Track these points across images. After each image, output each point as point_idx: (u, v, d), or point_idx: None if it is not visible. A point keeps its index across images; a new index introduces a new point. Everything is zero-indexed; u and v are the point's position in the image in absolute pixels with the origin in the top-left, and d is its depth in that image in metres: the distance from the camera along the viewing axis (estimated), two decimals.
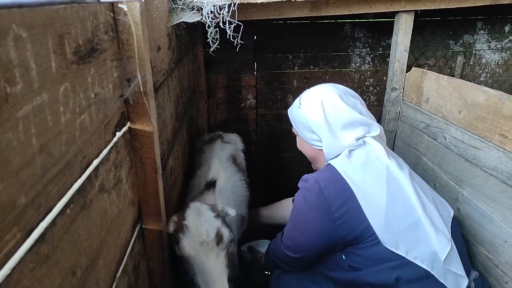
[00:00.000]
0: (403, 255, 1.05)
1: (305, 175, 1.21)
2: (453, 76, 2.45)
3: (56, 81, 0.50)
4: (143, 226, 0.91)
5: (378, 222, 1.06)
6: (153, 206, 0.90)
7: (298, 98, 1.34)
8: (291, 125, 1.37)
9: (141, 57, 0.72)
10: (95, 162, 0.63)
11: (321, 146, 1.24)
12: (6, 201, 0.39)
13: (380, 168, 1.13)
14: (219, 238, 1.04)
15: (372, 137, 1.21)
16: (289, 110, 1.38)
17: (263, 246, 1.71)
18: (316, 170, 1.32)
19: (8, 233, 0.40)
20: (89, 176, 0.60)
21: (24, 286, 0.43)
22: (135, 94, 0.77)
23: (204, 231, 1.02)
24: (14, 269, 0.41)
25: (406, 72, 1.72)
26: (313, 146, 1.28)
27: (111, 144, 0.70)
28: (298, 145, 1.39)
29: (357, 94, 1.31)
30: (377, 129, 1.23)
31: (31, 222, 0.44)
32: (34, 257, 0.45)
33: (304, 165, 1.48)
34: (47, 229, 0.47)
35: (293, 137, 1.40)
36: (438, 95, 1.48)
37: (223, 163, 1.60)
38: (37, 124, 0.45)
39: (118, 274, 0.75)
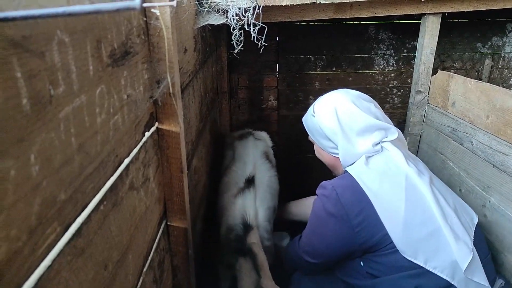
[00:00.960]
0: (421, 264, 1.03)
1: (323, 182, 1.21)
2: (480, 80, 2.40)
3: (93, 83, 0.52)
4: (168, 223, 0.93)
5: (396, 231, 1.05)
6: (178, 204, 0.92)
7: (311, 107, 1.34)
8: (307, 134, 1.38)
9: (170, 59, 0.74)
10: (126, 161, 0.65)
11: (338, 154, 1.24)
12: (48, 197, 0.42)
13: (399, 176, 1.11)
14: None
15: (391, 141, 1.20)
16: (303, 119, 1.38)
17: (282, 238, 1.72)
18: (336, 177, 1.32)
19: (49, 227, 0.42)
20: (120, 174, 0.62)
21: (63, 277, 0.45)
22: (163, 96, 0.79)
23: None
24: (54, 260, 0.43)
25: (432, 75, 1.70)
26: (331, 154, 1.28)
27: (141, 143, 0.73)
28: (316, 153, 1.40)
29: (371, 98, 1.29)
30: (394, 133, 1.21)
31: (69, 217, 0.47)
32: (72, 250, 0.47)
33: (327, 166, 1.48)
34: (83, 224, 0.50)
35: (311, 145, 1.41)
36: (465, 99, 1.45)
37: (258, 160, 1.67)
38: (76, 125, 0.47)
39: (144, 269, 0.77)
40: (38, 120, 0.40)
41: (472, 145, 1.41)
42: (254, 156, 1.68)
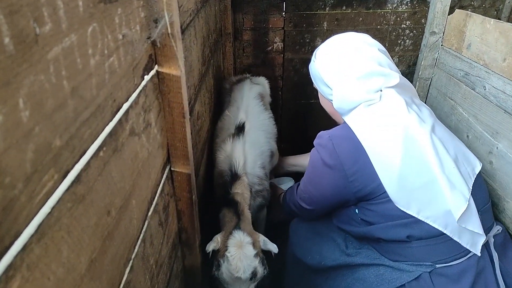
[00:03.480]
0: (414, 215, 1.04)
1: (321, 132, 1.21)
2: (500, 19, 2.26)
3: (84, 21, 0.48)
4: (172, 169, 0.93)
5: (390, 181, 1.05)
6: (181, 149, 0.91)
7: (314, 52, 1.30)
8: (312, 82, 1.34)
9: None
10: (125, 105, 0.63)
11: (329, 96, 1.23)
12: (42, 143, 0.40)
13: (397, 126, 1.08)
14: (253, 275, 1.14)
15: (393, 87, 1.15)
16: (309, 66, 1.34)
17: (284, 183, 1.76)
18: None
19: (46, 174, 0.41)
20: (120, 120, 0.60)
21: (64, 223, 0.45)
22: (162, 36, 0.74)
23: (242, 269, 1.12)
24: (53, 208, 0.43)
25: (448, 14, 1.59)
26: (330, 101, 1.26)
27: (140, 87, 0.70)
28: (320, 101, 1.38)
29: (376, 42, 1.23)
30: (395, 78, 1.15)
31: (67, 164, 0.46)
32: (71, 197, 0.46)
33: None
34: (82, 170, 0.49)
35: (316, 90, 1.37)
36: (482, 41, 1.37)
37: (251, 102, 1.64)
38: (67, 67, 0.44)
39: (149, 213, 0.78)
40: (25, 61, 0.37)
41: (485, 89, 1.36)
42: (247, 100, 1.65)
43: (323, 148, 1.15)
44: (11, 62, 0.35)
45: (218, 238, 1.19)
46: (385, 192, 1.06)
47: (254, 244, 1.17)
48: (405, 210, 1.05)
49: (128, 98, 0.64)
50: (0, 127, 0.34)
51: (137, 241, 0.71)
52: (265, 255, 1.21)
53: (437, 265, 1.07)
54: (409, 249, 1.10)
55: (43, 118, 0.40)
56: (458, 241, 1.05)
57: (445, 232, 1.04)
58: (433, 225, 1.04)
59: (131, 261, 0.68)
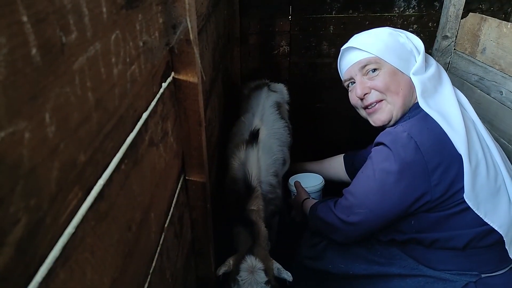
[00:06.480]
0: (481, 216, 0.99)
1: (389, 129, 1.06)
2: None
3: (108, 29, 0.45)
4: (186, 178, 0.90)
5: (469, 182, 0.96)
6: (196, 158, 0.88)
7: (390, 30, 1.18)
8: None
9: (189, 0, 0.66)
10: (144, 115, 0.60)
11: (422, 74, 1.09)
12: (67, 160, 0.38)
13: (469, 122, 1.03)
14: None
15: None
16: (372, 40, 1.19)
17: (313, 184, 1.57)
18: (378, 122, 1.16)
19: (70, 192, 0.39)
20: (139, 130, 0.58)
21: (88, 243, 0.42)
22: (180, 42, 0.72)
23: None
24: (77, 227, 0.40)
25: (461, 18, 1.57)
26: (412, 76, 1.09)
27: (158, 95, 0.67)
28: (380, 83, 1.12)
29: None
30: None
31: (90, 180, 0.43)
32: (95, 215, 0.44)
33: (339, 115, 1.41)
34: (105, 186, 0.46)
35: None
36: (498, 45, 1.35)
37: (267, 110, 1.61)
38: (92, 77, 0.42)
39: (166, 225, 0.75)
40: (51, 73, 0.34)
41: (501, 95, 1.34)
42: (263, 107, 1.62)
43: (403, 147, 0.98)
44: (38, 74, 0.33)
45: (230, 261, 1.15)
46: (460, 199, 0.98)
47: (267, 271, 1.12)
48: (475, 210, 0.98)
49: (147, 107, 0.62)
50: (27, 145, 0.31)
51: (155, 254, 0.68)
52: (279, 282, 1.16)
53: (483, 275, 1.04)
54: (459, 258, 1.05)
55: (69, 133, 0.38)
56: (508, 250, 1.02)
57: (504, 239, 1.01)
58: (498, 230, 0.99)
59: (149, 277, 0.65)
